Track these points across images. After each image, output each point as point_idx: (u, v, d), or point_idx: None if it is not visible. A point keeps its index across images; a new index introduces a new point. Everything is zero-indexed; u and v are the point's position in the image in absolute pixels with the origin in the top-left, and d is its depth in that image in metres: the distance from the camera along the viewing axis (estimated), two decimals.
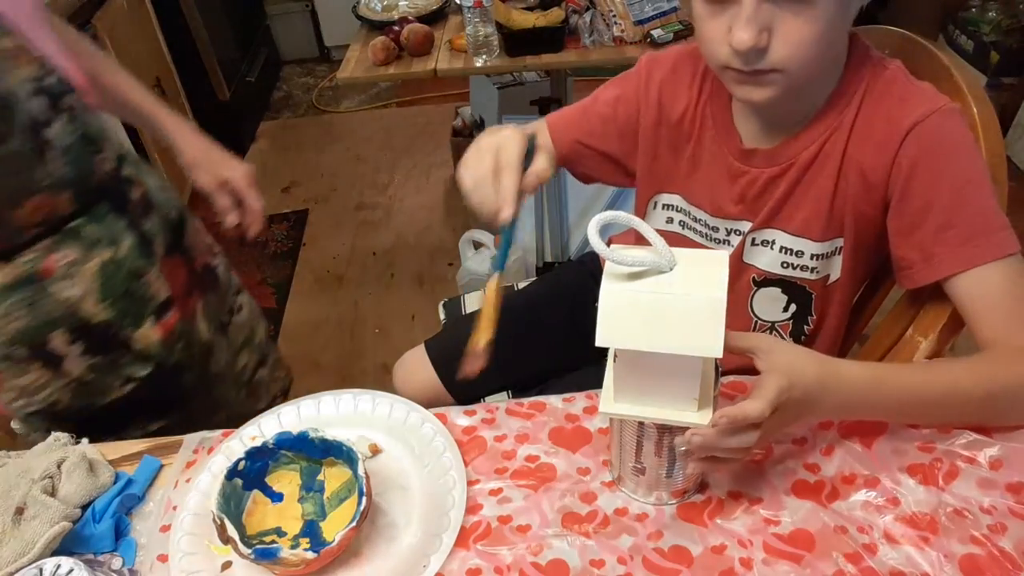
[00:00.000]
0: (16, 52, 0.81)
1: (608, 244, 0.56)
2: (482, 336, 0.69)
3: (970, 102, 0.79)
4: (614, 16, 1.75)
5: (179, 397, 1.06)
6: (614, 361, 0.58)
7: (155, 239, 0.98)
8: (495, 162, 0.71)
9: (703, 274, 0.56)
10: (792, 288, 0.87)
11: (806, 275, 0.85)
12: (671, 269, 0.56)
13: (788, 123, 0.79)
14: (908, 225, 0.74)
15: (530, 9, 1.83)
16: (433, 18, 1.99)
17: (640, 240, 0.58)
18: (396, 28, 1.86)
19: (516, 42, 1.77)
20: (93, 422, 0.96)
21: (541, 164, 0.73)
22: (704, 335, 0.54)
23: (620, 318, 0.55)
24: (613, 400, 0.61)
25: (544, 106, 2.18)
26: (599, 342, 0.56)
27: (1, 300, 0.86)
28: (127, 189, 0.97)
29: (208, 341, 1.08)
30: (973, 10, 2.69)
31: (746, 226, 0.85)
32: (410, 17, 1.93)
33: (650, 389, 0.59)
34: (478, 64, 1.79)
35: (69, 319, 0.90)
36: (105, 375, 0.96)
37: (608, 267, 0.57)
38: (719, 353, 0.54)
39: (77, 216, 0.89)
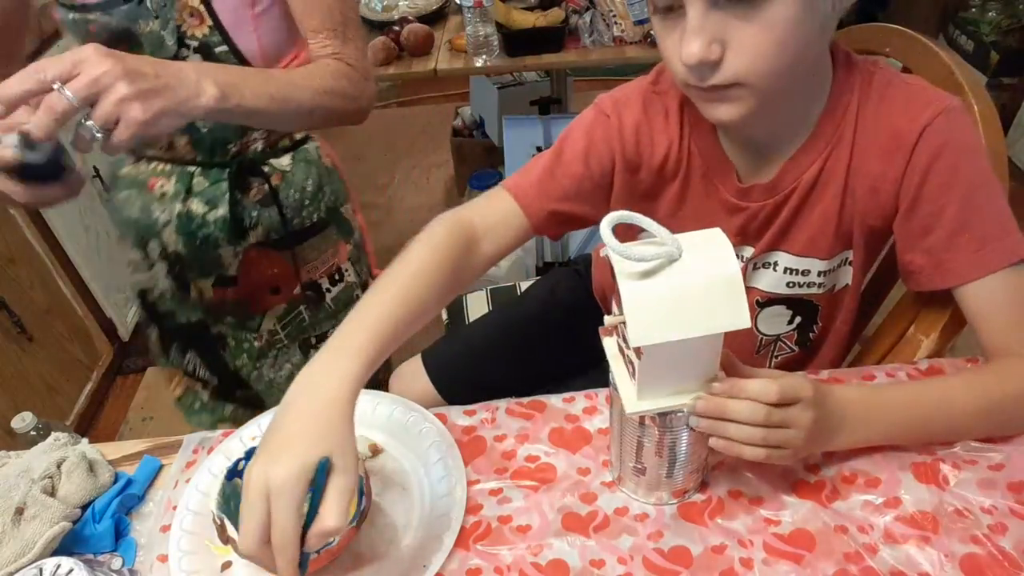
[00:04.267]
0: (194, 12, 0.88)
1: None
2: None
3: (971, 101, 0.79)
4: (614, 16, 1.75)
5: (219, 367, 1.16)
6: (638, 359, 0.58)
7: (255, 228, 1.03)
8: (266, 534, 0.55)
9: (710, 253, 0.57)
10: (798, 303, 0.85)
11: (813, 291, 0.82)
12: (680, 256, 0.57)
13: (781, 145, 0.75)
14: (919, 230, 0.72)
15: (530, 9, 1.83)
16: (433, 18, 2.00)
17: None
18: (396, 28, 1.86)
19: (516, 42, 1.77)
20: (167, 335, 1.15)
21: (328, 521, 0.54)
22: (729, 309, 0.55)
23: (648, 315, 0.55)
24: (637, 400, 0.60)
25: (544, 106, 2.18)
26: (633, 343, 0.55)
27: (126, 187, 1.04)
28: (257, 175, 1.02)
29: (266, 345, 1.12)
30: (973, 10, 2.69)
31: (748, 252, 0.82)
32: (410, 17, 1.94)
33: (673, 378, 0.59)
34: (478, 64, 1.79)
35: (158, 237, 1.03)
36: (179, 301, 1.09)
37: (620, 268, 0.56)
38: (747, 322, 0.55)
39: (194, 164, 1.01)
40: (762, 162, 0.77)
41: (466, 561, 0.64)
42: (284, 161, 1.04)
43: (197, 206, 1.00)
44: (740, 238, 0.81)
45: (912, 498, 0.65)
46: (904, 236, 0.74)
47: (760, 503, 0.66)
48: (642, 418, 0.61)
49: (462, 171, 2.65)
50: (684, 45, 0.62)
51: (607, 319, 0.61)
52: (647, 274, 0.56)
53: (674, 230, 0.81)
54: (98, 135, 0.69)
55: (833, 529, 0.63)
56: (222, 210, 1.00)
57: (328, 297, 1.14)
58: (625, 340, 0.60)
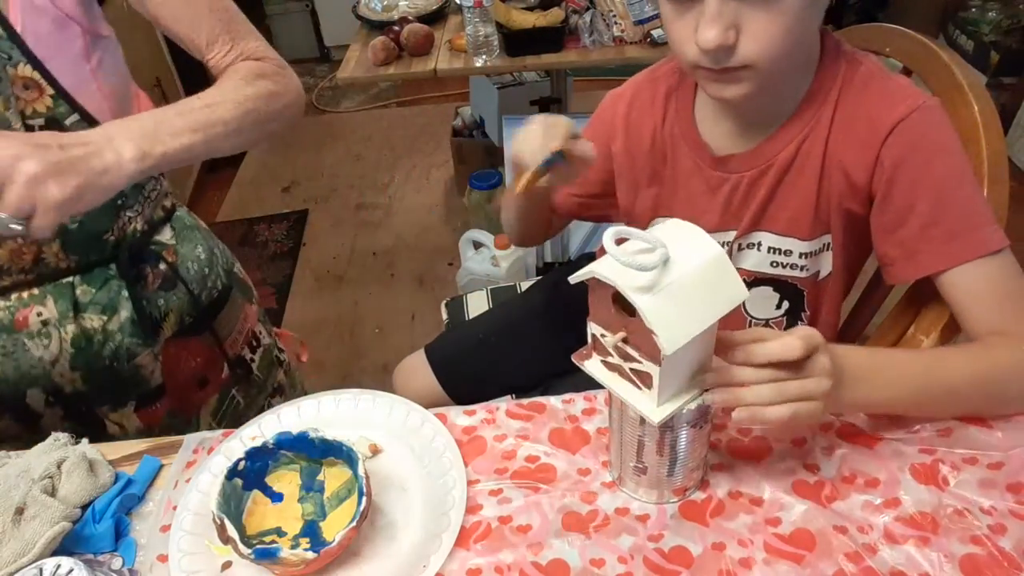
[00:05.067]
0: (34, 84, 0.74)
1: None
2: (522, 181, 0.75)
3: (971, 99, 0.79)
4: (614, 16, 1.75)
5: None
6: (659, 367, 0.57)
7: (167, 318, 0.91)
8: (545, 124, 0.75)
9: (690, 243, 0.58)
10: (783, 286, 0.87)
11: (796, 273, 0.84)
12: (670, 255, 0.57)
13: (762, 124, 0.79)
14: (891, 222, 0.74)
15: (530, 9, 1.83)
16: (433, 18, 2.00)
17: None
18: (396, 28, 1.86)
19: (516, 42, 1.77)
20: None
21: (587, 143, 0.75)
22: (728, 286, 0.57)
23: (670, 321, 0.55)
24: (657, 408, 0.60)
25: (544, 106, 2.19)
26: (667, 352, 0.55)
27: None
28: (149, 259, 0.89)
29: None
30: (973, 10, 2.69)
31: (731, 235, 0.85)
32: (410, 17, 1.94)
33: (684, 374, 0.60)
34: (478, 64, 1.79)
35: (42, 381, 0.85)
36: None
37: (626, 282, 0.55)
38: (746, 292, 0.58)
39: (72, 273, 0.83)
40: (741, 139, 0.80)
41: (466, 561, 0.64)
42: (167, 235, 0.92)
43: (92, 320, 0.85)
44: (724, 218, 0.84)
45: (912, 498, 0.65)
46: (879, 228, 0.76)
47: (760, 503, 0.66)
48: (643, 418, 0.61)
49: (462, 171, 2.64)
50: (702, 31, 0.66)
51: (605, 341, 0.61)
52: (652, 282, 0.56)
53: (675, 213, 0.86)
54: (16, 227, 0.60)
55: (833, 529, 0.63)
56: (124, 312, 0.86)
57: (254, 367, 1.04)
58: (626, 355, 0.60)
